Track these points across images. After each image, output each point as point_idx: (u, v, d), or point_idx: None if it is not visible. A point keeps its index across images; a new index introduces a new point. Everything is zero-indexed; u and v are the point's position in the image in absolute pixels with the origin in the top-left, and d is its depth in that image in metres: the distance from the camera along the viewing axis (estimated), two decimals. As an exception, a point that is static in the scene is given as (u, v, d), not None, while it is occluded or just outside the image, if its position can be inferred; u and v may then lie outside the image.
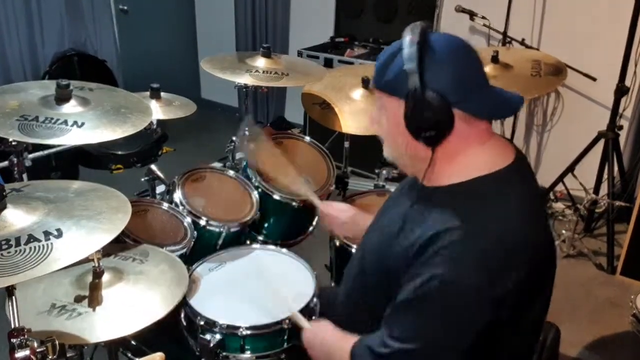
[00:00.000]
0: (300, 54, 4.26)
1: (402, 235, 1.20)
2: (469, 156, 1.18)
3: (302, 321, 1.52)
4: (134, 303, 1.49)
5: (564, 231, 3.23)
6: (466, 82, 1.15)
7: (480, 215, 1.11)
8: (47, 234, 1.14)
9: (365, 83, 2.38)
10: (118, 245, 1.73)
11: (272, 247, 2.02)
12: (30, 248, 1.10)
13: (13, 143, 1.72)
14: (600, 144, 3.22)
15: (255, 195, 2.23)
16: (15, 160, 1.80)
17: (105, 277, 1.51)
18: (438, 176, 1.21)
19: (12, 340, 1.16)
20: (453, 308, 1.10)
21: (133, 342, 1.80)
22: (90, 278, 1.49)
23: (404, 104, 1.14)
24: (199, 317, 1.59)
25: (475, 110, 1.15)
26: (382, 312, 1.23)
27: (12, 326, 1.17)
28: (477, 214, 1.11)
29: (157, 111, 2.18)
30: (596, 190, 3.29)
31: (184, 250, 1.93)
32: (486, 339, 1.13)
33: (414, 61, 1.10)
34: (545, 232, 1.23)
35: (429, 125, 1.13)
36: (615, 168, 3.21)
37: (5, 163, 1.87)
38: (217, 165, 2.60)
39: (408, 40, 1.13)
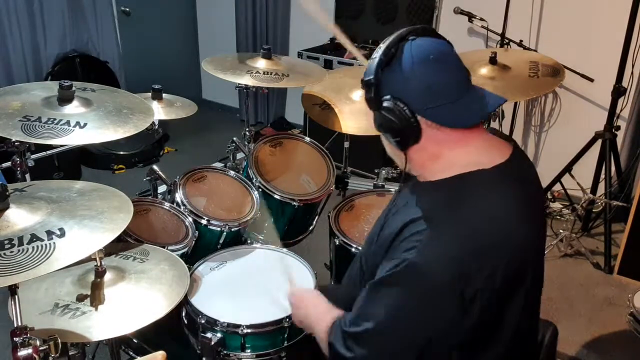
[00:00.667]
0: (300, 55, 4.27)
1: (386, 225, 1.24)
2: (451, 156, 1.19)
3: None
4: (135, 302, 1.50)
5: (561, 231, 3.24)
6: (434, 91, 1.15)
7: (455, 209, 1.12)
8: (49, 233, 1.15)
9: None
10: (118, 245, 1.74)
11: (272, 246, 2.03)
12: (33, 247, 1.11)
13: (16, 143, 1.75)
14: (598, 144, 3.22)
15: (255, 195, 2.25)
16: (18, 160, 1.82)
17: (107, 276, 1.52)
18: (427, 173, 1.23)
19: (14, 339, 1.17)
20: (418, 295, 1.11)
21: (135, 341, 1.82)
22: (92, 277, 1.50)
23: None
24: (200, 316, 1.60)
25: (442, 119, 1.16)
26: None
27: (15, 325, 1.18)
28: (451, 207, 1.13)
29: (159, 112, 2.19)
30: (593, 190, 3.30)
31: (186, 249, 1.94)
32: (461, 335, 1.14)
33: (371, 74, 1.17)
34: (533, 232, 1.22)
35: (394, 131, 1.18)
36: (613, 168, 3.22)
37: (8, 163, 1.89)
38: (218, 165, 2.62)
39: (376, 52, 1.18)
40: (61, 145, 2.29)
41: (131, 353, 1.84)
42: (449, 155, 1.19)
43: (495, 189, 1.16)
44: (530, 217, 1.21)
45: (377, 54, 1.17)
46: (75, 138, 1.49)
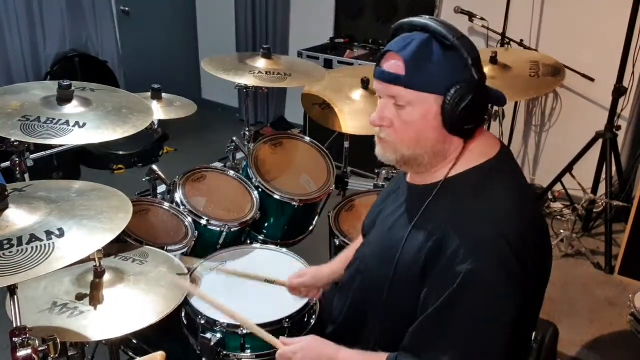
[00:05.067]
0: (300, 54, 4.27)
1: (410, 236, 1.19)
2: (468, 149, 1.18)
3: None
4: (134, 303, 1.50)
5: (562, 231, 3.23)
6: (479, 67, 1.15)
7: (484, 205, 1.11)
8: (48, 233, 1.15)
9: (365, 84, 2.38)
10: (118, 246, 1.74)
11: (272, 246, 2.03)
12: (32, 247, 1.11)
13: (15, 143, 1.74)
14: (599, 144, 3.22)
15: (255, 195, 2.24)
16: (17, 160, 1.82)
17: (106, 277, 1.52)
18: (432, 173, 1.21)
19: (14, 339, 1.16)
20: (488, 299, 1.06)
21: (134, 341, 1.81)
22: (91, 277, 1.50)
23: (441, 99, 1.11)
24: (199, 316, 1.60)
25: (490, 100, 1.17)
26: (393, 317, 1.22)
27: (14, 325, 1.17)
28: (479, 204, 1.12)
29: (158, 111, 2.19)
30: (594, 190, 3.30)
31: (185, 249, 1.94)
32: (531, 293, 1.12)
33: (471, 53, 1.09)
34: (541, 216, 1.24)
35: (474, 118, 1.12)
36: (613, 168, 3.21)
37: (7, 163, 1.89)
38: (218, 165, 2.61)
39: (444, 31, 1.10)
40: (60, 145, 2.28)
41: (131, 353, 1.83)
42: (469, 147, 1.18)
43: (504, 178, 1.17)
44: (533, 201, 1.25)
45: (453, 33, 1.10)
46: (74, 138, 1.48)
